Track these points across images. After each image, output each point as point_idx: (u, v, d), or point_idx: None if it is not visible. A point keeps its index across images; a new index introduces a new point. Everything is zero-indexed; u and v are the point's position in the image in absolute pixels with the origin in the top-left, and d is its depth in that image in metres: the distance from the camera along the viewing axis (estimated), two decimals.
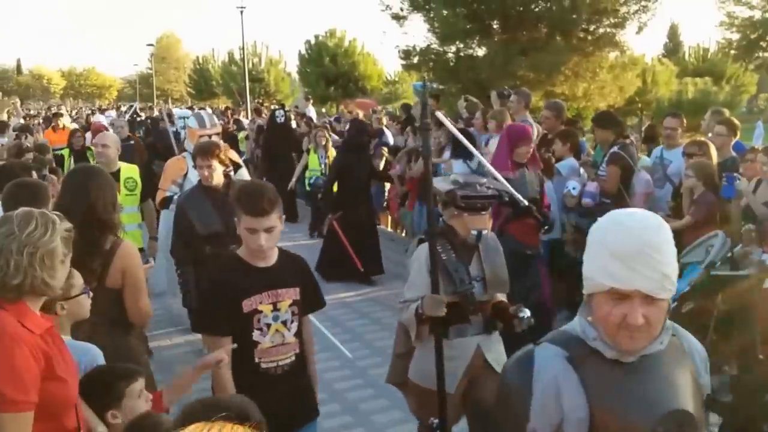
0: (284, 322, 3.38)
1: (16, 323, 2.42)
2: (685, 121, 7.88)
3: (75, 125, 16.91)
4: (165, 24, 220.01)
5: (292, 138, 14.18)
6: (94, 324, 3.23)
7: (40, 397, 2.40)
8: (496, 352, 4.03)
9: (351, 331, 7.37)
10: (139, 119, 22.79)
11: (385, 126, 13.72)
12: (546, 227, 6.30)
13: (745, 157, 6.67)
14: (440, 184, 4.18)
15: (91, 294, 3.19)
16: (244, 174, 6.88)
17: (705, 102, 23.81)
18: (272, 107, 19.76)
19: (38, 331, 2.47)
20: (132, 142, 11.70)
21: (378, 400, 5.76)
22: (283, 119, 14.10)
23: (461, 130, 8.96)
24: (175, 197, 6.37)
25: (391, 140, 12.79)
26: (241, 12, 35.18)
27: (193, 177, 6.32)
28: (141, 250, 5.94)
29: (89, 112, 25.26)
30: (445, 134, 9.21)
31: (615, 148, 7.05)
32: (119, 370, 2.96)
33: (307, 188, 12.41)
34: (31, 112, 36.30)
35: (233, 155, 6.99)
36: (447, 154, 8.98)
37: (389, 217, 13.00)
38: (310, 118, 17.63)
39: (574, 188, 7.25)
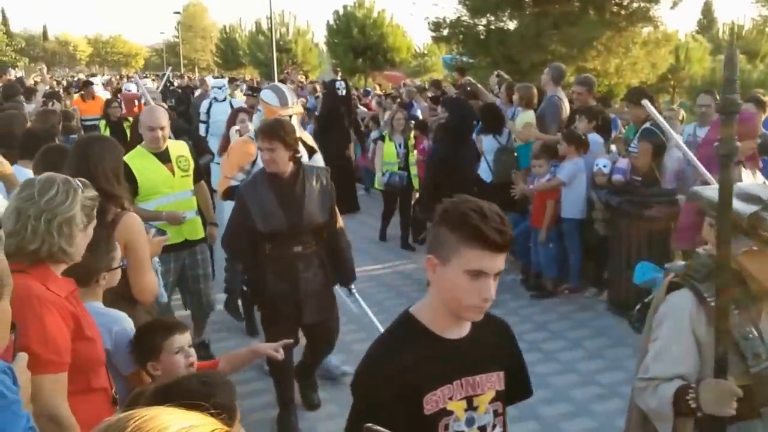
0: (482, 429, 2.18)
1: (41, 286, 2.44)
2: (718, 98, 7.76)
3: (107, 94, 16.55)
4: None
5: (355, 115, 12.67)
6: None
7: (71, 357, 2.44)
8: None
9: (379, 303, 7.27)
10: (171, 88, 21.50)
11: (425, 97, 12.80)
12: None
13: None
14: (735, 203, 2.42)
15: (126, 264, 3.22)
16: (319, 160, 5.93)
17: (740, 80, 23.35)
18: (322, 78, 18.93)
19: (63, 294, 2.50)
20: None
21: None
22: (344, 92, 12.19)
23: (487, 106, 8.96)
24: (239, 188, 5.47)
25: (419, 113, 12.02)
26: None
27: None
28: (203, 240, 5.72)
29: (119, 78, 25.11)
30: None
31: (647, 125, 6.97)
32: (158, 324, 3.04)
33: (377, 186, 10.19)
34: (57, 79, 36.39)
35: (307, 137, 6.12)
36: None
37: None
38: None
39: (605, 166, 7.20)
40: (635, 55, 18.06)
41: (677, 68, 25.58)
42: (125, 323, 3.11)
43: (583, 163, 7.29)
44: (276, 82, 6.02)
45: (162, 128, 5.37)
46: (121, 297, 3.46)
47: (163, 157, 5.42)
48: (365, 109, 14.60)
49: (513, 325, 2.42)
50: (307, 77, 28.32)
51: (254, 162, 5.53)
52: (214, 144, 10.07)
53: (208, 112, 11.66)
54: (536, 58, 16.12)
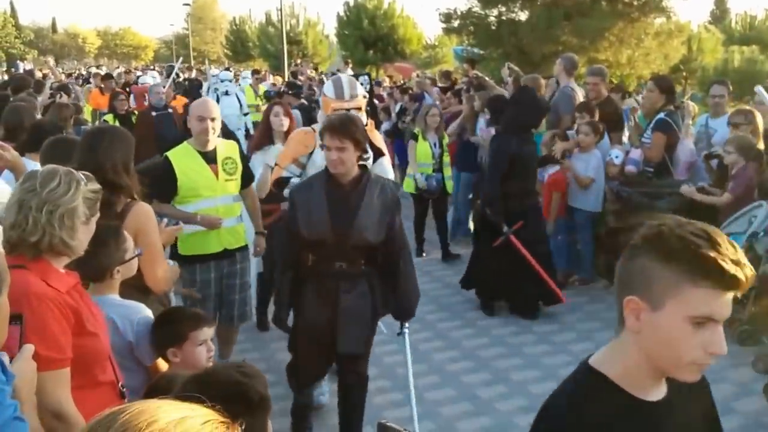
0: None
1: (40, 282, 2.42)
2: (731, 88, 7.70)
3: (113, 85, 16.42)
4: None
5: (376, 113, 11.95)
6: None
7: (73, 352, 2.43)
8: None
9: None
10: (178, 80, 20.65)
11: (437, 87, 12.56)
12: None
13: None
14: None
15: (141, 253, 3.22)
16: (386, 166, 5.47)
17: (751, 71, 23.23)
18: (330, 70, 18.39)
19: (64, 289, 2.48)
20: (170, 110, 10.57)
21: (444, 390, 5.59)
22: (368, 86, 11.36)
23: (496, 97, 8.90)
24: (293, 180, 5.16)
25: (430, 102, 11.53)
26: None
27: (321, 159, 4.73)
28: (245, 248, 5.21)
29: (127, 72, 24.82)
30: (482, 99, 9.10)
31: (661, 115, 6.93)
32: (189, 313, 3.04)
33: (407, 189, 8.64)
34: (69, 71, 36.47)
35: (377, 138, 5.63)
36: (482, 121, 8.86)
37: None
38: None
39: (617, 157, 7.16)
40: (647, 46, 17.98)
41: (689, 59, 25.46)
42: (146, 314, 3.12)
43: (600, 156, 7.27)
44: (339, 74, 5.45)
45: (213, 119, 4.87)
46: (134, 287, 3.43)
47: (209, 157, 4.93)
48: (376, 102, 14.57)
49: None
50: (317, 69, 28.24)
51: (311, 154, 5.16)
52: None
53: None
54: (547, 50, 16.09)
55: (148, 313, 3.13)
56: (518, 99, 7.10)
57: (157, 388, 2.53)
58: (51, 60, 19.17)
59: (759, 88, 6.12)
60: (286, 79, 18.65)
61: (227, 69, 27.21)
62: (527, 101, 6.86)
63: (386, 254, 4.20)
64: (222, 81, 12.49)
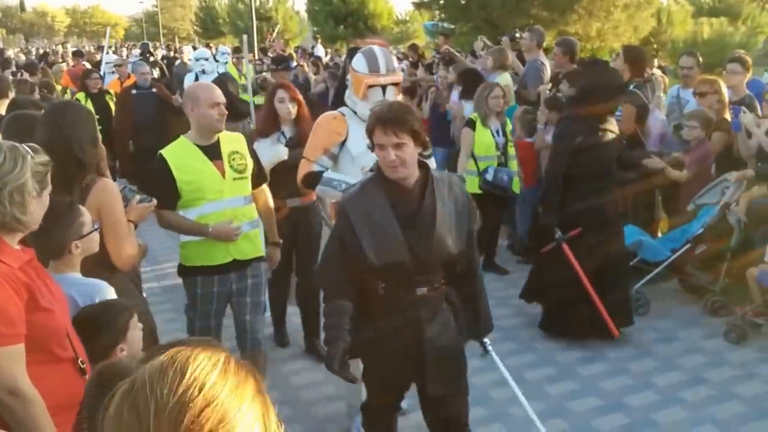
0: None
1: None
2: (700, 59, 7.71)
3: (86, 63, 15.83)
4: None
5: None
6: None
7: (27, 329, 2.38)
8: None
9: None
10: (152, 59, 19.45)
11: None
12: None
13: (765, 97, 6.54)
14: None
15: (98, 228, 3.12)
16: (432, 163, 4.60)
17: (720, 42, 23.36)
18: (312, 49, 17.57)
19: (16, 264, 2.43)
20: (154, 90, 9.99)
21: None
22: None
23: (469, 70, 8.85)
24: (326, 174, 4.39)
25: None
26: None
27: (356, 147, 4.30)
28: (260, 258, 4.49)
29: (97, 49, 24.24)
30: (453, 73, 9.04)
31: (630, 87, 6.91)
32: (118, 305, 2.94)
33: (469, 189, 6.72)
34: (36, 50, 35.74)
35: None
36: (455, 94, 8.81)
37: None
38: (319, 58, 17.30)
39: None
40: (617, 18, 18.01)
41: (659, 31, 25.50)
42: (107, 292, 3.04)
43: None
44: (371, 45, 4.57)
45: (223, 104, 4.18)
46: (100, 264, 3.37)
47: (212, 152, 4.18)
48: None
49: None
50: (287, 44, 27.96)
51: (343, 143, 4.44)
52: None
53: None
54: (518, 23, 15.98)
55: (110, 291, 3.05)
56: (587, 76, 5.94)
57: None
58: (69, 45, 18.64)
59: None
60: (255, 57, 18.22)
61: (207, 46, 26.67)
62: (599, 78, 5.66)
63: (466, 267, 3.49)
64: (197, 60, 11.74)
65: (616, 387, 5.03)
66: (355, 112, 4.40)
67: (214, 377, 1.11)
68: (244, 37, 7.54)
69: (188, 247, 4.28)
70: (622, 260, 5.80)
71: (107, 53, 14.92)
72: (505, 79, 8.25)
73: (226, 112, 4.19)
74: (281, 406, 4.66)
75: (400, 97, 4.41)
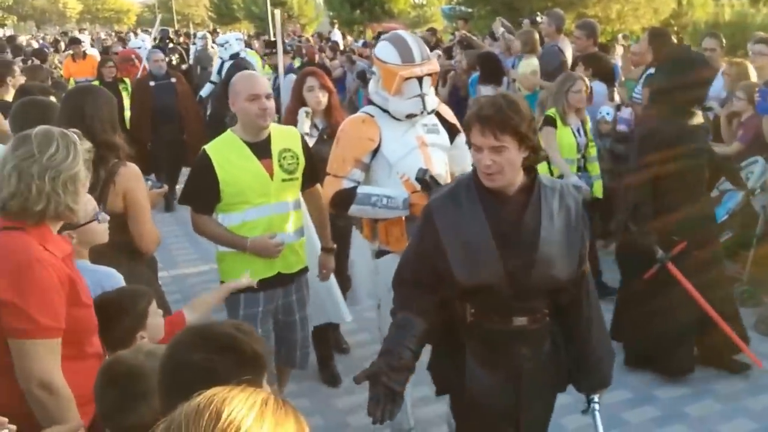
0: None
1: (40, 247, 2.35)
2: (723, 41, 7.55)
3: (95, 52, 15.41)
4: None
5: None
6: (98, 251, 3.12)
7: (66, 323, 2.36)
8: None
9: None
10: (171, 45, 18.74)
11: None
12: None
13: None
14: None
15: (105, 217, 3.06)
16: (464, 148, 4.22)
17: (742, 24, 22.95)
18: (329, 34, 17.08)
19: (60, 255, 2.41)
20: (173, 80, 9.51)
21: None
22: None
23: (486, 54, 8.73)
24: (361, 190, 3.82)
25: None
26: None
27: (393, 153, 3.80)
28: (305, 270, 4.03)
29: (106, 37, 24.17)
30: (470, 57, 8.93)
31: (651, 70, 6.79)
32: (136, 291, 2.89)
33: None
34: (48, 37, 35.76)
35: (445, 110, 4.44)
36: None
37: None
38: (336, 43, 17.19)
39: (608, 113, 7.05)
40: (636, 0, 17.74)
41: (680, 13, 25.15)
42: (116, 279, 3.01)
43: (586, 113, 7.10)
44: (398, 31, 4.14)
45: (268, 96, 3.67)
46: (122, 250, 3.41)
47: (261, 149, 3.72)
48: (365, 62, 14.31)
49: None
50: (303, 30, 27.86)
51: (377, 150, 3.84)
52: None
53: (219, 72, 10.78)
54: (536, 5, 15.84)
55: (120, 279, 3.02)
56: (673, 64, 5.13)
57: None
58: (102, 33, 18.64)
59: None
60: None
61: (214, 32, 26.55)
62: (685, 67, 4.89)
63: (577, 296, 2.85)
64: (221, 45, 11.34)
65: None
66: (387, 111, 3.84)
67: (250, 420, 1.09)
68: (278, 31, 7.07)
69: (227, 260, 3.83)
70: (725, 275, 5.10)
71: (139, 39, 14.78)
72: (532, 63, 8.12)
73: (269, 106, 3.67)
74: (300, 399, 4.68)
75: (432, 89, 3.93)
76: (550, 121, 6.04)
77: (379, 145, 3.82)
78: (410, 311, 2.76)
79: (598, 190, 6.27)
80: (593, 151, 6.31)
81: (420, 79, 3.76)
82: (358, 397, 4.57)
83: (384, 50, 3.85)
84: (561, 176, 5.77)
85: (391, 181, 3.83)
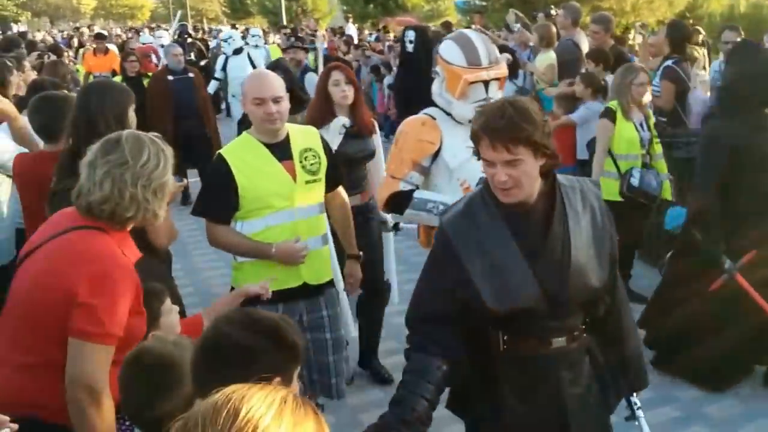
0: None
1: (120, 252, 2.39)
2: (743, 34, 7.49)
3: (114, 48, 15.71)
4: None
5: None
6: None
7: (125, 331, 2.37)
8: None
9: None
10: (189, 41, 18.26)
11: None
12: None
13: None
14: None
15: None
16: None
17: (758, 16, 22.81)
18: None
19: (134, 259, 2.46)
20: (191, 75, 9.22)
21: None
22: (412, 47, 9.66)
23: (502, 47, 8.65)
24: (418, 195, 3.65)
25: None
26: None
27: (453, 158, 3.61)
28: (332, 282, 3.74)
29: (120, 33, 24.16)
30: None
31: (668, 63, 6.74)
32: (148, 291, 2.88)
33: (606, 197, 4.35)
34: (64, 33, 35.91)
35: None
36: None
37: None
38: (351, 37, 17.17)
39: None
40: None
41: (695, 5, 25.00)
42: None
43: (600, 107, 7.02)
44: (463, 30, 4.08)
45: (277, 100, 3.38)
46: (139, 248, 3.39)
47: (281, 150, 3.48)
48: (378, 57, 14.29)
49: None
50: (318, 24, 27.83)
51: (437, 154, 3.66)
52: (235, 106, 9.27)
53: (224, 69, 10.85)
54: None
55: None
56: (741, 61, 4.69)
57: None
58: (117, 29, 18.77)
59: None
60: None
61: (233, 27, 26.44)
62: (754, 63, 4.48)
63: (611, 305, 2.60)
64: (224, 40, 11.31)
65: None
66: (450, 114, 3.65)
67: (268, 419, 1.07)
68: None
69: (245, 269, 3.55)
70: None
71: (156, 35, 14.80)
72: (549, 57, 8.04)
73: (276, 110, 3.38)
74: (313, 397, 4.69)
75: (499, 93, 3.58)
76: (610, 114, 5.69)
77: (439, 149, 3.64)
78: (427, 352, 2.44)
79: (667, 192, 5.84)
80: (658, 148, 5.90)
81: (486, 83, 3.56)
82: (370, 395, 4.58)
83: (449, 50, 3.64)
84: (630, 170, 5.57)
85: (451, 187, 3.63)
